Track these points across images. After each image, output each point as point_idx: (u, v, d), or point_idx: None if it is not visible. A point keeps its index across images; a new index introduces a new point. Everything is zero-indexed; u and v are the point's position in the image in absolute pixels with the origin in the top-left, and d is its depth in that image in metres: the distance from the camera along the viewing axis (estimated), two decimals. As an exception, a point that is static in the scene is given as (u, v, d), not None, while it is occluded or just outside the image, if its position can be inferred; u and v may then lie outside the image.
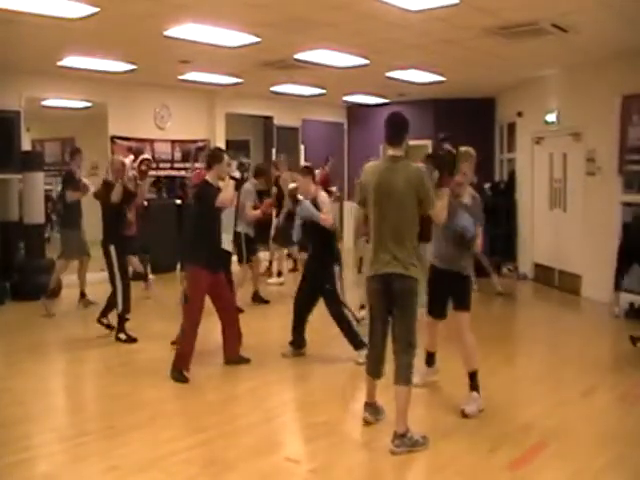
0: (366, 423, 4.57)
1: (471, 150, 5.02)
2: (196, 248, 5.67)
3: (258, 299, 8.76)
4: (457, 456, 4.13)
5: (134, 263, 9.10)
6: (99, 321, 7.04)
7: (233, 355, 5.92)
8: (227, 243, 7.58)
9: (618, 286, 7.85)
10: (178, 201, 10.63)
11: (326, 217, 5.95)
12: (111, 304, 6.94)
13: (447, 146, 4.49)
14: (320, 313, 6.16)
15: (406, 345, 4.21)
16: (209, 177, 5.80)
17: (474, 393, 4.86)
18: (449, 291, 4.99)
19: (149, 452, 4.18)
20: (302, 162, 13.06)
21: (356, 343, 5.94)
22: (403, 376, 4.17)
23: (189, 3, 6.16)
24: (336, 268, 6.01)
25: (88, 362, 6.47)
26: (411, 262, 4.18)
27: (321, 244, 6.10)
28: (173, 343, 6.34)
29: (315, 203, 6.03)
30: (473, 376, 4.90)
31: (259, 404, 5.12)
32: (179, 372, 5.51)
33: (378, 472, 4.01)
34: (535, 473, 3.95)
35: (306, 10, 6.36)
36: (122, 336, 6.79)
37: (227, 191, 5.71)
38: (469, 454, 4.15)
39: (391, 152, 4.26)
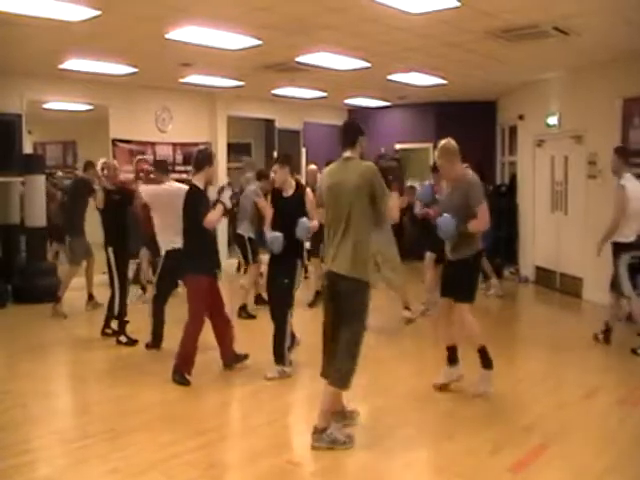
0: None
1: (446, 144, 5.19)
2: (192, 255, 5.60)
3: (261, 301, 8.75)
4: (458, 457, 4.12)
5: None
6: (103, 333, 7.08)
7: (230, 357, 5.89)
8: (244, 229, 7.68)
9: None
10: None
11: (314, 225, 5.52)
12: (111, 310, 6.98)
13: (387, 160, 4.82)
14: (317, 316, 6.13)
15: (344, 345, 4.21)
16: (197, 181, 5.64)
17: (484, 371, 5.04)
18: (453, 280, 5.18)
19: (150, 455, 4.18)
20: (303, 165, 13.07)
21: (279, 355, 5.70)
22: (335, 378, 4.22)
23: (190, 6, 6.18)
24: (299, 262, 5.76)
25: (89, 364, 6.47)
26: (355, 264, 4.19)
27: (290, 237, 5.64)
28: (147, 346, 6.51)
29: (297, 202, 5.71)
30: (483, 353, 5.06)
31: (260, 407, 5.11)
32: (181, 375, 5.46)
33: (379, 474, 4.00)
34: (536, 475, 3.94)
35: (307, 13, 6.37)
36: (123, 339, 6.80)
37: (215, 214, 5.50)
38: (470, 455, 4.15)
39: (346, 154, 4.43)
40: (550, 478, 3.94)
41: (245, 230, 8.27)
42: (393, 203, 4.39)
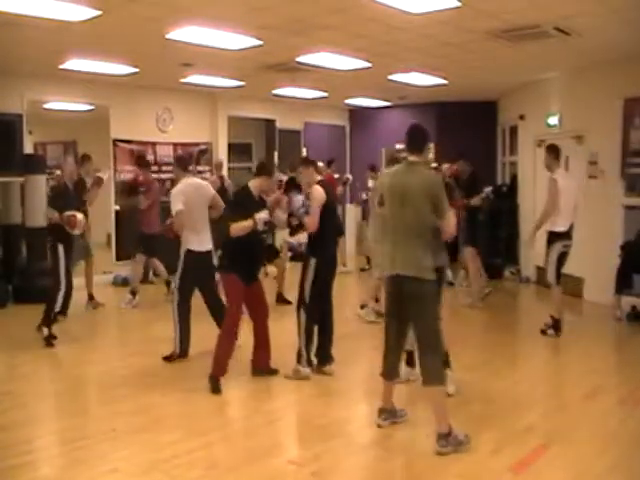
0: (381, 428, 4.57)
1: None
2: (232, 256, 5.49)
3: (282, 300, 8.79)
4: (459, 458, 4.11)
5: (155, 265, 9.15)
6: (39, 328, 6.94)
7: (263, 366, 5.75)
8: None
9: (620, 289, 7.89)
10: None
11: (310, 220, 5.57)
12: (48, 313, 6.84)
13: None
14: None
15: (429, 347, 4.24)
16: (252, 185, 5.56)
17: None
18: None
19: (150, 455, 4.18)
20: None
21: (297, 354, 5.72)
22: (431, 377, 4.20)
23: (191, 6, 6.17)
24: (312, 260, 5.70)
25: (90, 365, 6.46)
26: (424, 265, 4.22)
27: (310, 235, 5.76)
28: (165, 358, 6.23)
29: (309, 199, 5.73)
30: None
31: (261, 407, 5.11)
32: (215, 380, 5.33)
33: (380, 474, 4.01)
34: (537, 475, 3.94)
35: (308, 13, 6.37)
36: (45, 331, 6.74)
37: (241, 226, 5.29)
38: (471, 456, 4.14)
39: (412, 158, 4.39)
40: (551, 478, 3.93)
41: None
42: (452, 220, 4.37)
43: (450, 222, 4.33)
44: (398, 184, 4.33)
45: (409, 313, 4.30)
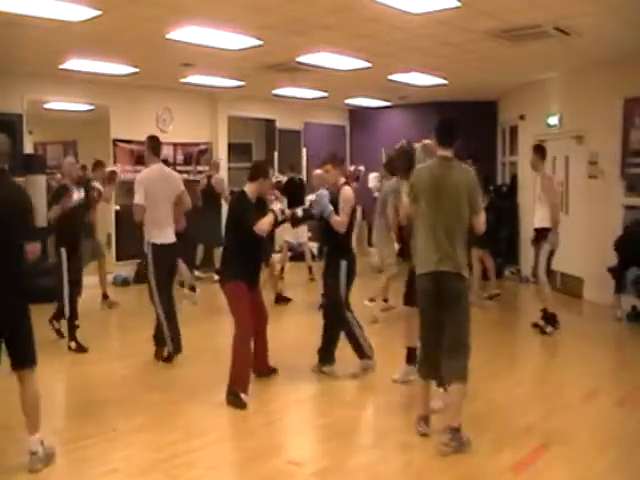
0: (424, 437, 4.42)
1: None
2: (232, 261, 5.33)
3: (282, 299, 8.81)
4: (459, 458, 4.11)
5: (181, 269, 8.74)
6: (50, 322, 6.94)
7: (264, 367, 5.67)
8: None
9: (619, 289, 7.89)
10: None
11: (340, 220, 5.52)
12: (61, 309, 6.75)
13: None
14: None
15: (459, 345, 4.21)
16: (247, 189, 5.36)
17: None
18: None
19: (150, 455, 4.18)
20: (304, 165, 13.07)
21: (358, 351, 5.76)
22: (457, 374, 4.18)
23: (191, 6, 6.17)
24: (343, 262, 5.61)
25: (90, 364, 6.46)
26: (463, 261, 4.22)
27: (333, 236, 5.64)
28: (165, 360, 6.14)
29: (336, 199, 5.60)
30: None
31: (261, 407, 5.11)
32: (235, 395, 5.02)
33: (380, 475, 4.00)
34: (537, 475, 3.95)
35: (308, 13, 6.37)
36: (72, 345, 6.62)
37: (265, 221, 5.21)
38: (471, 456, 4.14)
39: (442, 153, 4.31)
40: (551, 478, 3.94)
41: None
42: (483, 216, 4.36)
43: (482, 218, 4.33)
44: (437, 180, 4.23)
45: (446, 310, 4.22)
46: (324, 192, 5.58)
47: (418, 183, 4.34)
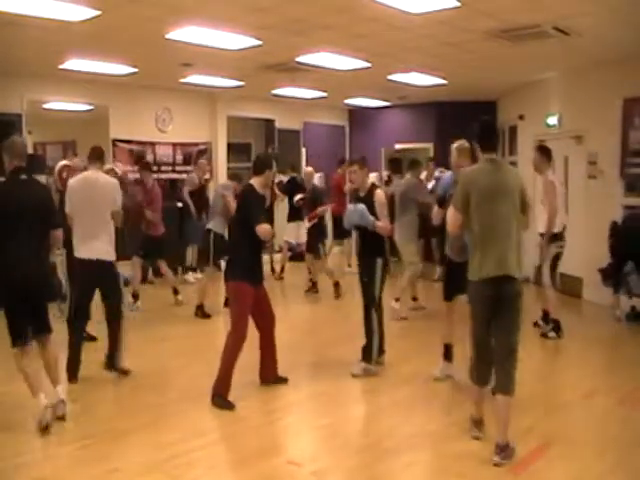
0: (477, 439, 4.38)
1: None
2: (238, 260, 5.20)
3: (201, 313, 8.25)
4: (459, 458, 4.12)
5: (164, 270, 8.90)
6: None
7: (271, 375, 5.52)
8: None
9: (617, 289, 7.90)
10: (179, 204, 10.68)
11: (385, 225, 5.65)
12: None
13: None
14: (329, 310, 6.14)
15: (510, 352, 4.10)
16: (255, 183, 5.24)
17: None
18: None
19: (151, 455, 4.18)
20: (304, 165, 13.07)
21: (367, 354, 5.74)
22: (510, 384, 4.11)
23: (191, 6, 6.17)
24: (379, 261, 5.68)
25: (89, 365, 6.45)
26: (520, 265, 4.13)
27: (368, 235, 5.72)
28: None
29: (370, 202, 5.65)
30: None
31: (260, 407, 5.11)
32: (223, 398, 5.00)
33: (380, 475, 4.00)
34: (537, 475, 3.95)
35: (307, 13, 6.37)
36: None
37: (268, 228, 5.09)
38: (471, 455, 4.15)
39: (490, 156, 4.28)
40: (551, 478, 3.94)
41: (215, 226, 8.01)
42: (530, 216, 4.45)
43: (530, 218, 4.40)
44: (492, 182, 4.16)
45: (506, 315, 4.08)
46: (361, 206, 5.62)
47: (469, 187, 4.20)
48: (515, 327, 4.11)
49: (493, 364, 4.16)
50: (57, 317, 7.70)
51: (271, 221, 7.70)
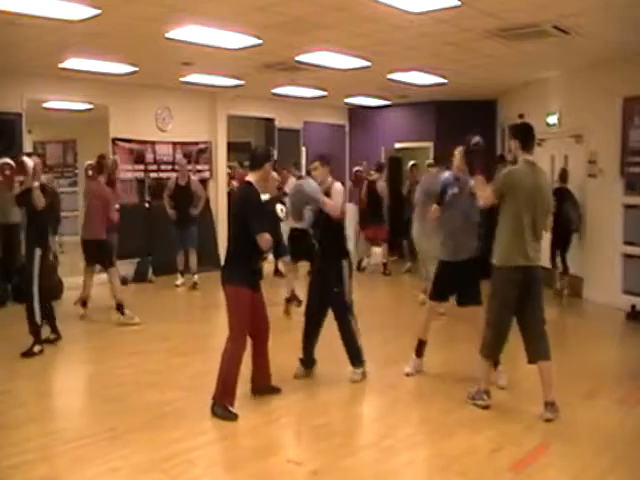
0: (487, 408, 4.90)
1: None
2: (235, 262, 4.94)
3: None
4: (459, 456, 4.12)
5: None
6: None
7: (264, 386, 5.26)
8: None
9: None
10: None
11: (332, 202, 5.38)
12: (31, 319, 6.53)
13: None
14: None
15: (542, 326, 4.81)
16: (254, 179, 4.98)
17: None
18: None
19: (150, 454, 4.18)
20: (304, 165, 13.07)
21: (355, 359, 5.61)
22: (541, 351, 4.75)
23: (190, 5, 6.17)
24: (344, 263, 5.50)
25: (89, 364, 6.47)
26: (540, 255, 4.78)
27: (328, 237, 5.53)
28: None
29: (327, 193, 5.48)
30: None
31: (260, 406, 5.11)
32: (224, 408, 4.77)
33: (379, 473, 4.00)
34: (537, 474, 3.95)
35: (307, 12, 6.36)
36: (37, 349, 6.39)
37: (269, 238, 4.84)
38: (471, 455, 4.15)
39: (529, 157, 4.70)
40: (550, 478, 3.94)
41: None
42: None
43: (551, 217, 4.98)
44: (531, 183, 4.63)
45: (534, 299, 4.75)
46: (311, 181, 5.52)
47: (511, 184, 4.66)
48: (540, 304, 4.83)
49: (505, 342, 4.88)
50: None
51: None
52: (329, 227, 5.52)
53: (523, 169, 4.68)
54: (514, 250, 4.65)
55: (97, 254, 7.90)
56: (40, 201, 6.41)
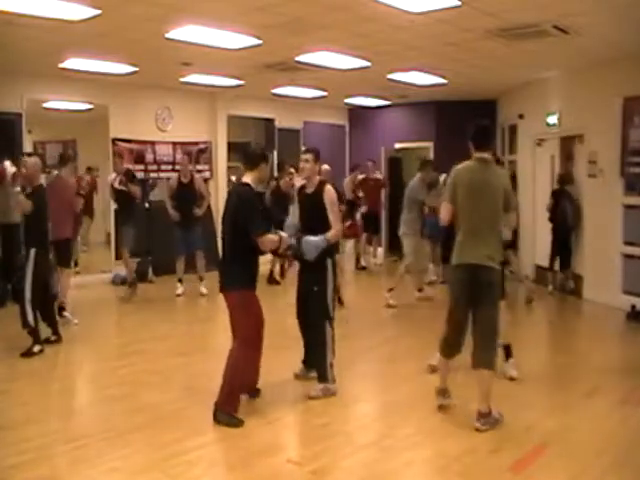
0: (442, 409, 4.87)
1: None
2: (239, 267, 4.75)
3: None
4: (459, 457, 4.12)
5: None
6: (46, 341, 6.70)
7: (251, 387, 5.11)
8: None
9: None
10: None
11: (336, 232, 5.19)
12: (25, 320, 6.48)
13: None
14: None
15: (491, 331, 4.55)
16: (249, 180, 4.83)
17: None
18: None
19: (150, 454, 4.18)
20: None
21: (322, 372, 5.24)
22: (485, 360, 4.51)
23: (190, 6, 6.17)
24: (328, 262, 5.20)
25: (89, 363, 6.47)
26: (497, 256, 4.57)
27: (315, 229, 5.20)
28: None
29: (319, 199, 5.24)
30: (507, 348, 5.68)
31: (260, 406, 5.10)
32: (228, 415, 4.65)
33: (379, 473, 4.00)
34: (537, 474, 3.95)
35: (307, 12, 6.36)
36: (36, 349, 6.39)
37: (271, 239, 4.74)
38: (471, 455, 4.15)
39: (480, 155, 4.65)
40: (550, 478, 3.93)
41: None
42: (515, 214, 4.92)
43: (514, 216, 4.74)
44: (476, 179, 4.59)
45: (481, 299, 4.52)
46: (310, 239, 5.11)
47: (458, 182, 4.65)
48: (491, 309, 4.54)
49: (462, 342, 4.68)
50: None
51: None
52: (313, 222, 5.26)
53: (470, 166, 4.66)
54: (459, 247, 4.62)
55: (58, 253, 7.62)
56: (21, 206, 6.42)
